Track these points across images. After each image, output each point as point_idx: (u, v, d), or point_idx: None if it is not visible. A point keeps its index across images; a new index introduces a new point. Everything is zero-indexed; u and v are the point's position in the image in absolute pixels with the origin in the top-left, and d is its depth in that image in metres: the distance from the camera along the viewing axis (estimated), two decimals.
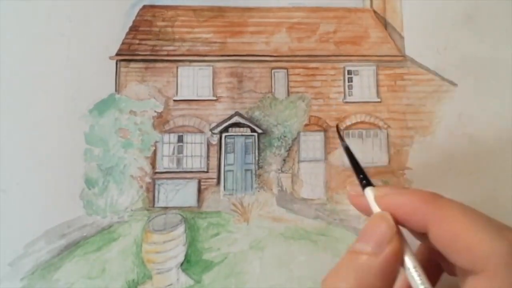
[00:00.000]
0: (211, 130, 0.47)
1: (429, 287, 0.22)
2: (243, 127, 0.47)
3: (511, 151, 0.47)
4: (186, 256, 0.42)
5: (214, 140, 0.47)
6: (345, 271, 0.24)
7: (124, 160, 0.45)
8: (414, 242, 0.28)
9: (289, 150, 0.47)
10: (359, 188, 0.29)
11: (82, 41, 0.46)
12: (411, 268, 0.23)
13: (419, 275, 0.23)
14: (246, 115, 0.47)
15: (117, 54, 0.47)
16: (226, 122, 0.47)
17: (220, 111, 0.47)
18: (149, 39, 0.48)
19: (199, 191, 0.45)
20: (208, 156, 0.47)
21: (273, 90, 0.47)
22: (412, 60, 0.48)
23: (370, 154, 0.47)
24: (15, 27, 0.46)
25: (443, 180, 0.47)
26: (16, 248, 0.41)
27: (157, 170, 0.46)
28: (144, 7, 0.48)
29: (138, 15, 0.48)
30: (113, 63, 0.46)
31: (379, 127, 0.47)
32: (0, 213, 0.42)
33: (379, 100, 0.48)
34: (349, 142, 0.48)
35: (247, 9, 0.48)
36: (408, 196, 0.26)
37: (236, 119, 0.47)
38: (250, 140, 0.47)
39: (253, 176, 0.46)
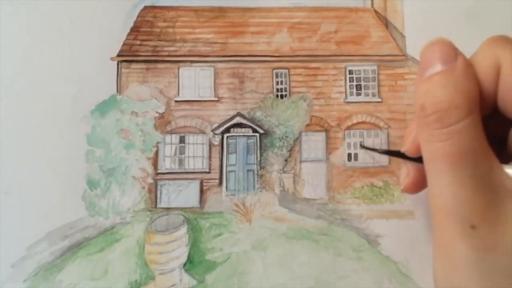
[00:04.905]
0: (213, 130, 0.47)
1: None
2: (245, 127, 0.47)
3: None
4: (188, 256, 0.42)
5: (216, 140, 0.47)
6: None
7: (126, 161, 0.45)
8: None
9: (290, 150, 0.47)
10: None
11: (83, 42, 0.46)
12: None
13: None
14: (247, 116, 0.47)
15: (118, 55, 0.47)
16: (228, 122, 0.47)
17: (222, 112, 0.47)
18: (150, 40, 0.48)
19: (201, 191, 0.46)
20: (210, 157, 0.47)
21: (274, 90, 0.48)
22: (413, 59, 0.48)
23: (371, 154, 0.47)
24: (15, 28, 0.46)
25: None
26: (18, 250, 0.41)
27: (159, 171, 0.46)
28: (145, 7, 0.48)
29: (139, 15, 0.48)
30: (114, 64, 0.46)
31: (380, 128, 0.47)
32: (3, 215, 0.42)
33: (380, 100, 0.48)
34: (350, 141, 0.48)
35: (248, 9, 0.48)
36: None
37: (237, 119, 0.47)
38: (252, 141, 0.47)
39: (255, 176, 0.46)
